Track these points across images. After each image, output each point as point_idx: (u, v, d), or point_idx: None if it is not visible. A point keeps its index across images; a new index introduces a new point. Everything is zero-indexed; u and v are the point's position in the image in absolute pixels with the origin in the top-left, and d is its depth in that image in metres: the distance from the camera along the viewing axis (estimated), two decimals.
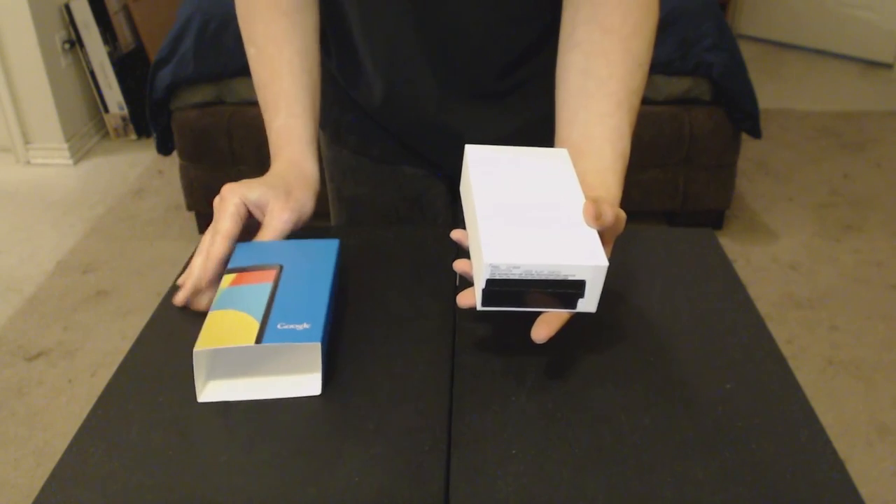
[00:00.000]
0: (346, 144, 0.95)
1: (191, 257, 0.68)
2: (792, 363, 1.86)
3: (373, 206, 0.97)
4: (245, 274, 0.64)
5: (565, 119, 0.71)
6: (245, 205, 0.67)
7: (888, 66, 3.79)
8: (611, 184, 0.65)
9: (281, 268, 0.65)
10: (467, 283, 0.72)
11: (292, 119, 0.74)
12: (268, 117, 0.76)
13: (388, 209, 0.97)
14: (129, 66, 3.08)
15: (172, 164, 2.78)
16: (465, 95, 0.85)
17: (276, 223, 0.67)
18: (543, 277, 0.53)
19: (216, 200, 0.67)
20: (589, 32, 0.69)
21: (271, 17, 0.75)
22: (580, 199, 0.58)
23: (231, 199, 0.66)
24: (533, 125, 0.87)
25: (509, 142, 0.89)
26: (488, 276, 0.53)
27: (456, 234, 0.62)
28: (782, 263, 2.28)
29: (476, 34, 0.79)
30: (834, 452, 0.52)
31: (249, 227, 0.68)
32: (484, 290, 0.54)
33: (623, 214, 0.61)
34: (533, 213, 0.57)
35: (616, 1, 0.68)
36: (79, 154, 2.98)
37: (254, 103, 2.18)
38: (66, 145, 2.91)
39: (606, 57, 0.69)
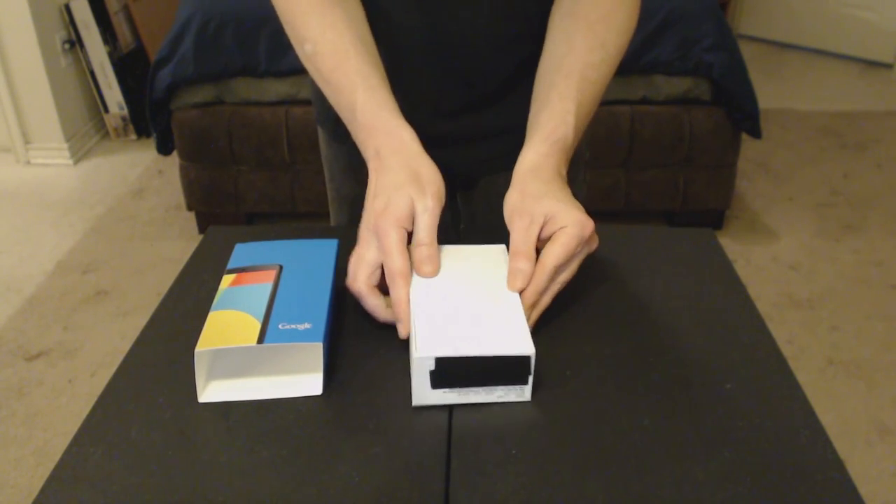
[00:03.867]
0: (347, 143, 0.95)
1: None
2: (792, 363, 1.85)
3: None
4: (245, 274, 0.64)
5: (530, 103, 0.75)
6: (406, 231, 0.63)
7: (888, 66, 3.79)
8: (526, 151, 0.69)
9: (281, 268, 0.65)
10: None
11: (371, 92, 0.70)
12: (346, 100, 0.71)
13: None
14: (129, 66, 3.08)
15: (172, 164, 2.78)
16: (466, 102, 0.85)
17: (428, 221, 0.63)
18: (484, 354, 0.55)
19: (369, 231, 0.63)
20: (561, 22, 0.74)
21: (324, 10, 0.72)
22: (513, 295, 0.61)
23: (392, 233, 0.62)
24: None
25: (509, 139, 0.90)
26: (431, 368, 0.55)
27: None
28: (782, 263, 2.28)
29: (480, 47, 0.80)
30: (834, 452, 0.52)
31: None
32: (432, 372, 0.55)
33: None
34: (467, 307, 0.59)
35: None
36: (79, 154, 2.98)
37: (253, 103, 2.18)
38: (66, 145, 2.91)
39: (569, 38, 0.72)
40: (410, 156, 0.67)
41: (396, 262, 0.61)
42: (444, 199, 0.65)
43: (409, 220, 0.63)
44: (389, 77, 0.84)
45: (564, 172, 0.69)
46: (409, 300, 0.61)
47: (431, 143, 0.90)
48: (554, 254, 0.61)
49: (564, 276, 0.63)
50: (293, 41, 0.75)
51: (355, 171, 0.96)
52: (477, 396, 0.57)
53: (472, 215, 0.99)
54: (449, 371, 0.55)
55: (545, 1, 0.78)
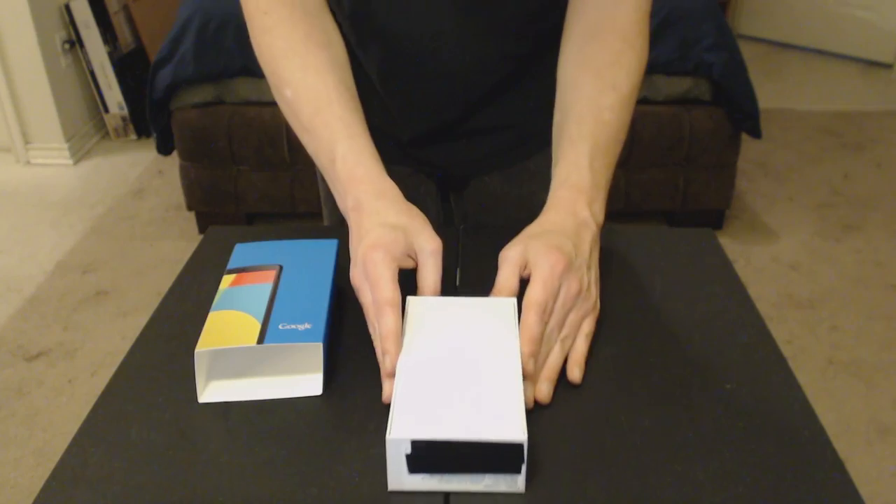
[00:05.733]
0: None
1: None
2: (792, 363, 1.85)
3: None
4: (245, 274, 0.65)
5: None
6: (396, 265, 0.60)
7: (888, 66, 3.79)
8: (548, 206, 0.67)
9: (280, 268, 0.65)
10: (468, 280, 0.72)
11: (351, 141, 0.67)
12: (325, 149, 0.68)
13: None
14: (129, 66, 3.08)
15: (172, 164, 2.78)
16: (457, 104, 0.85)
17: (432, 264, 0.61)
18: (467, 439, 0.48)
19: (358, 272, 0.60)
20: (570, 72, 0.74)
21: (308, 50, 0.70)
22: (514, 359, 0.54)
23: (383, 265, 0.58)
24: (527, 120, 0.89)
25: (500, 139, 0.89)
26: (407, 452, 0.48)
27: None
28: (782, 263, 2.28)
29: (471, 60, 0.80)
30: (834, 452, 0.52)
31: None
32: (408, 456, 0.48)
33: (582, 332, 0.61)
34: (457, 378, 0.52)
35: (602, 40, 0.72)
36: (79, 154, 2.98)
37: (254, 103, 2.18)
38: (66, 145, 2.91)
39: (578, 86, 0.72)
40: (396, 199, 0.64)
41: (386, 291, 0.56)
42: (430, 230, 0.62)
43: (401, 255, 0.60)
44: (382, 80, 0.84)
45: (583, 212, 0.65)
46: (399, 332, 0.55)
47: (423, 144, 0.90)
48: (530, 292, 0.58)
49: (573, 317, 0.60)
50: (274, 90, 0.72)
51: None
52: (461, 485, 0.49)
53: (464, 215, 0.99)
54: (428, 455, 0.48)
55: (536, 20, 0.79)
